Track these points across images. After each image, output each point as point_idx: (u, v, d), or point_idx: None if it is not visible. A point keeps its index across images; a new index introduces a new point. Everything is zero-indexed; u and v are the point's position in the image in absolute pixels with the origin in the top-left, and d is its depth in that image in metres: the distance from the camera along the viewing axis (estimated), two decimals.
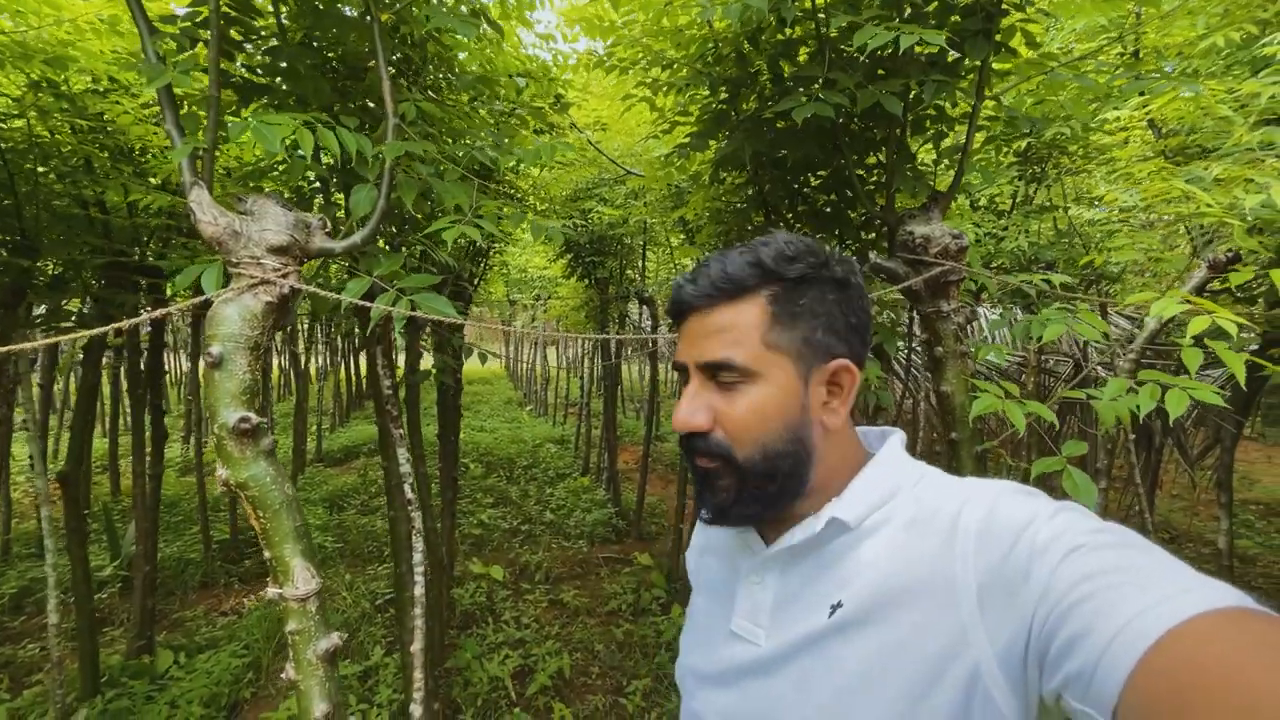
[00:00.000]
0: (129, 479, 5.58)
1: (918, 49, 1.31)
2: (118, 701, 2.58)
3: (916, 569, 0.55)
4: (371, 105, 1.54)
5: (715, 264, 0.61)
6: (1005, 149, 2.45)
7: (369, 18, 1.09)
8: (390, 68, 1.61)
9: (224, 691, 2.71)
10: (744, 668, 0.63)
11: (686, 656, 0.73)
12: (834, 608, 0.58)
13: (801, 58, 1.40)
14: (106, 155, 2.29)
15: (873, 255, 1.43)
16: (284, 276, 1.03)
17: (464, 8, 1.22)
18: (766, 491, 0.60)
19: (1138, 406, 1.21)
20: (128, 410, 7.22)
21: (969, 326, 1.50)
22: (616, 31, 1.68)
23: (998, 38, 1.29)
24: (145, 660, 2.89)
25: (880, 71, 1.36)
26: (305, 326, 7.65)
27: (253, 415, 0.99)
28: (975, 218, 2.84)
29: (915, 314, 1.52)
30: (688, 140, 1.60)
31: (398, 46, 1.51)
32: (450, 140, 1.33)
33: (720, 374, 0.60)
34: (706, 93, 1.54)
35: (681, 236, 4.50)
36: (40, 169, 2.17)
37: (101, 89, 2.10)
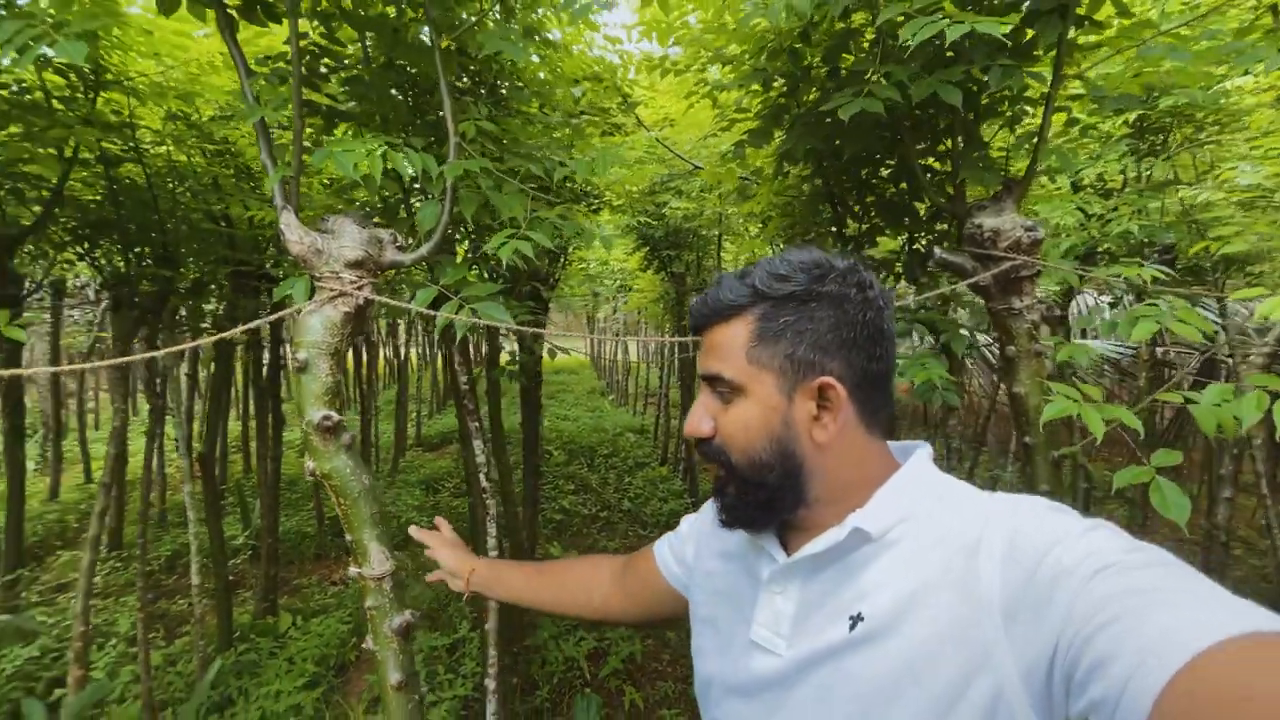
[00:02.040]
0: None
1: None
2: (247, 655, 2.94)
3: (939, 582, 0.54)
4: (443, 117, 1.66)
5: (718, 286, 0.65)
6: (1109, 121, 2.24)
7: (431, 44, 1.17)
8: (463, 82, 1.72)
9: (333, 653, 3.01)
10: (765, 678, 0.63)
11: (707, 664, 0.73)
12: (854, 619, 0.58)
13: (863, 47, 1.35)
14: (231, 174, 2.59)
15: (937, 250, 1.37)
16: (360, 288, 1.14)
17: (518, 26, 1.28)
18: (759, 498, 0.63)
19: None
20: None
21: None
22: (675, 31, 1.70)
23: (1080, 11, 1.19)
24: (269, 620, 3.27)
25: (947, 54, 1.29)
26: (407, 322, 8.22)
27: (334, 414, 1.11)
28: (1078, 199, 2.60)
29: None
30: (745, 137, 1.59)
31: (468, 63, 1.61)
32: (513, 153, 1.40)
33: (716, 387, 0.65)
34: (762, 88, 1.53)
35: (759, 227, 4.44)
36: (177, 189, 2.49)
37: (224, 115, 2.37)
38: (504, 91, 1.70)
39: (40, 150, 1.70)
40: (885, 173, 1.74)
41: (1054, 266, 1.29)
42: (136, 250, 2.49)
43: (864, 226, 1.90)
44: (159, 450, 4.38)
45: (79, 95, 1.82)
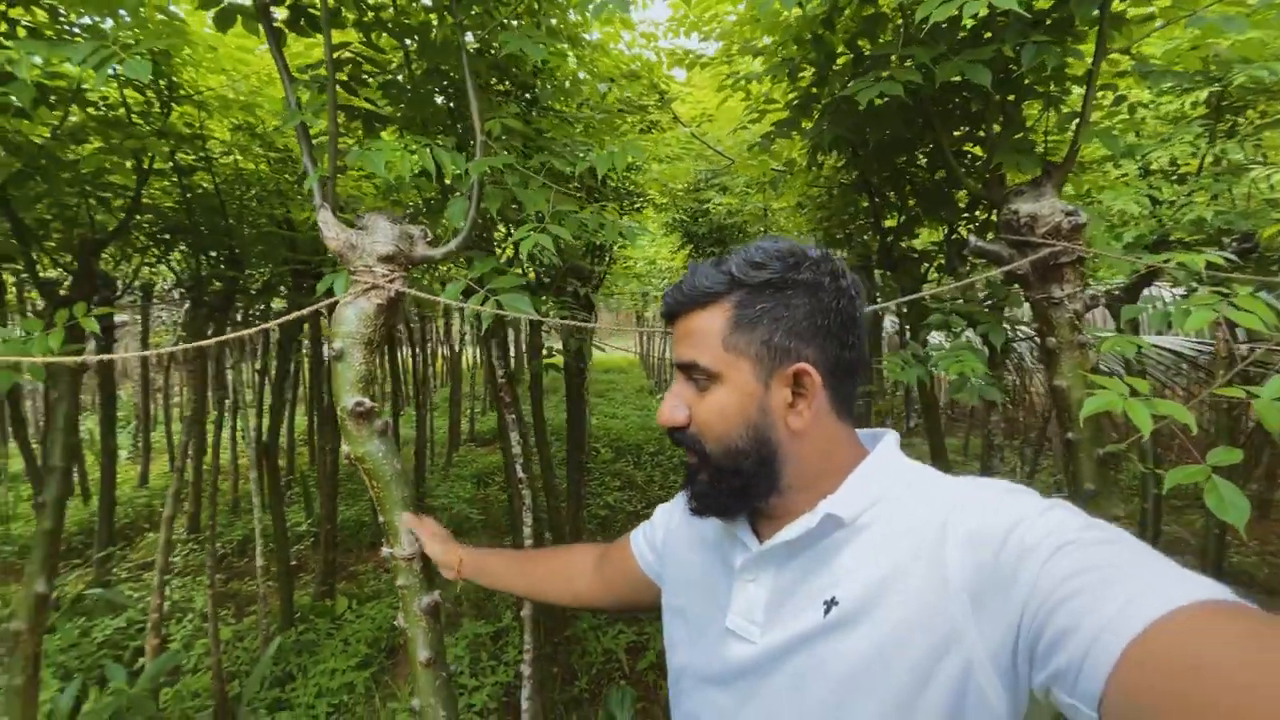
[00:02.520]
0: None
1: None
2: (306, 634, 3.12)
3: (909, 567, 0.55)
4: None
5: (693, 273, 0.65)
6: (1180, 100, 2.09)
7: (456, 43, 1.22)
8: (503, 85, 1.78)
9: (384, 636, 3.15)
10: (741, 666, 0.64)
11: (678, 655, 0.74)
12: (828, 604, 0.58)
13: (888, 34, 1.32)
14: (293, 180, 2.75)
15: (973, 239, 1.32)
16: (391, 281, 1.19)
17: (543, 27, 1.31)
18: (733, 486, 0.64)
19: None
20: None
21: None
22: (706, 25, 1.70)
23: None
24: (327, 603, 3.45)
25: (986, 35, 1.24)
26: (460, 322, 8.49)
27: (366, 400, 1.18)
28: (1145, 185, 2.44)
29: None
30: (774, 128, 1.58)
31: (508, 65, 1.66)
32: (538, 148, 1.43)
33: (692, 374, 0.65)
34: (789, 79, 1.51)
35: (803, 221, 4.36)
36: (244, 196, 2.67)
37: (282, 126, 2.52)
38: (537, 91, 1.74)
39: (120, 161, 1.86)
40: (923, 161, 1.69)
41: (1096, 253, 1.22)
42: (211, 254, 2.68)
43: (902, 218, 1.85)
44: (232, 441, 4.69)
45: (155, 110, 1.97)
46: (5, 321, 3.13)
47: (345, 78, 1.48)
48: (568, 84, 1.85)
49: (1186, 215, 2.23)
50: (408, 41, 1.53)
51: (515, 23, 1.33)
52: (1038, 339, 1.33)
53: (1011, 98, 1.36)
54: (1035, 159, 1.26)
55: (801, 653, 0.59)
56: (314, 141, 1.25)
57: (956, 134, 1.49)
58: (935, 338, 1.97)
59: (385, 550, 1.24)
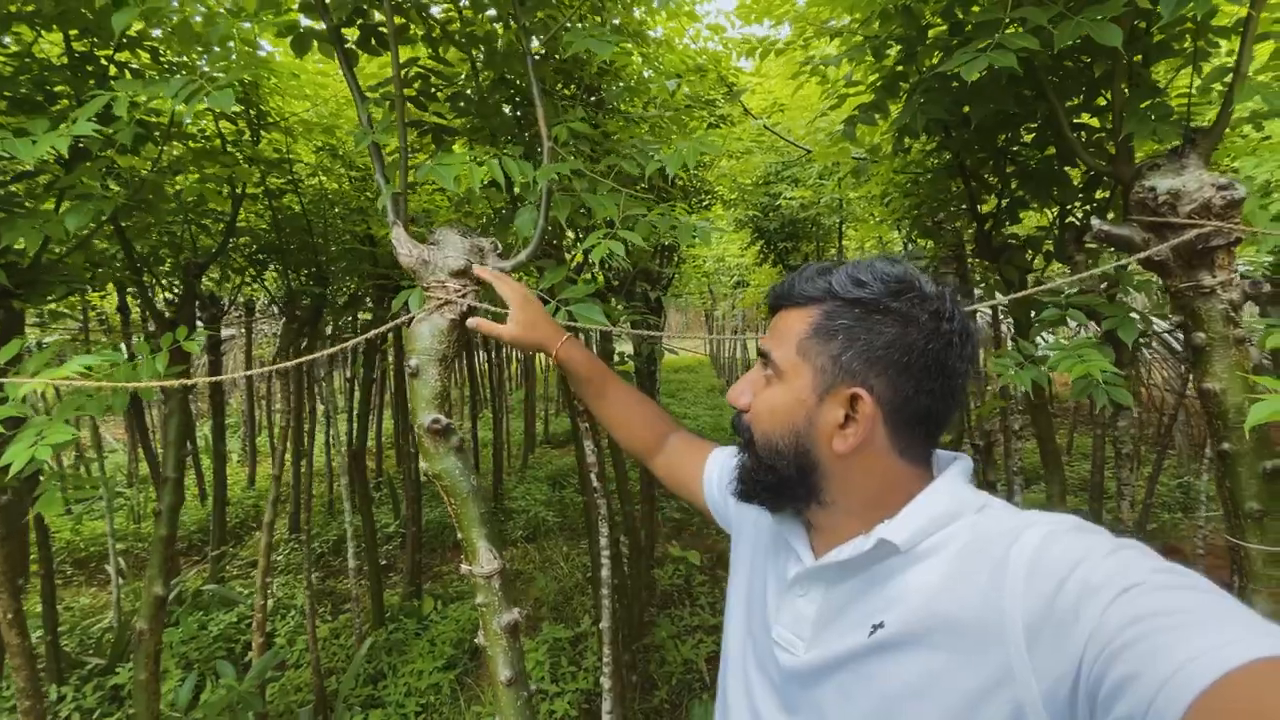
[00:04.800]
0: None
1: None
2: (396, 634, 3.24)
3: (964, 598, 0.54)
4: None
5: (800, 273, 0.65)
6: None
7: (521, 50, 1.19)
8: (569, 90, 1.75)
9: (468, 638, 3.23)
10: (786, 674, 0.66)
11: (735, 637, 0.76)
12: (875, 627, 0.58)
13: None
14: (371, 197, 2.85)
15: (1096, 222, 1.16)
16: (463, 296, 1.18)
17: (607, 24, 1.26)
18: (767, 481, 0.66)
19: None
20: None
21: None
22: (777, 10, 1.60)
23: None
24: (414, 603, 3.57)
25: None
26: None
27: (442, 417, 1.16)
28: None
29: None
30: (856, 113, 1.46)
31: (572, 70, 1.63)
32: (606, 151, 1.39)
33: (766, 365, 0.67)
34: (873, 58, 1.39)
35: (884, 210, 4.11)
36: (329, 215, 2.79)
37: (356, 146, 2.62)
38: (603, 93, 1.70)
39: (216, 188, 1.97)
40: (1028, 138, 1.52)
41: (1260, 232, 1.04)
42: (304, 272, 2.83)
43: (1004, 202, 1.67)
44: (326, 446, 4.96)
45: (246, 138, 2.08)
46: (130, 343, 3.44)
47: (414, 93, 1.49)
48: (634, 83, 1.80)
49: None
50: (474, 53, 1.53)
51: (580, 24, 1.29)
52: (1148, 332, 1.15)
53: (1139, 58, 1.19)
54: (1175, 126, 1.09)
55: (844, 672, 0.60)
56: (386, 159, 1.25)
57: (1070, 104, 1.32)
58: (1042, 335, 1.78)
59: (464, 567, 1.22)
